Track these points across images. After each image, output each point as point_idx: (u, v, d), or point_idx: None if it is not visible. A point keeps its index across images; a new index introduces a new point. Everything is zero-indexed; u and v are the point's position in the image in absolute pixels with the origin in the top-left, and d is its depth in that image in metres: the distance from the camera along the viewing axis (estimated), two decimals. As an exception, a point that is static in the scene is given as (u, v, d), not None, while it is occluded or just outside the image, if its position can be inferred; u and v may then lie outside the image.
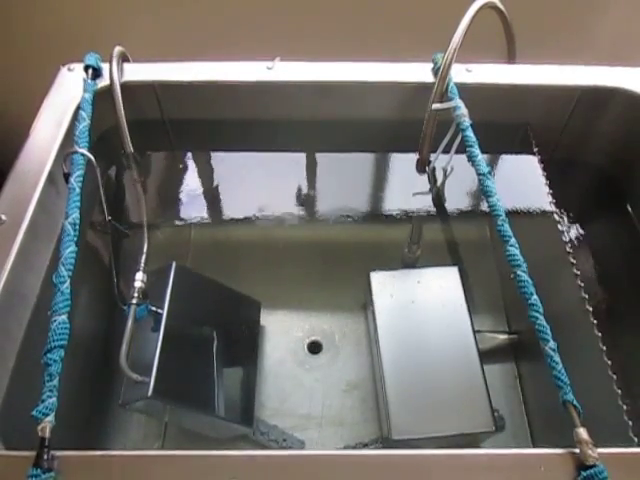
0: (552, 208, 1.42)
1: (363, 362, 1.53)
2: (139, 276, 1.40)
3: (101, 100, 1.50)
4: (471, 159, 1.27)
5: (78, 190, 1.17)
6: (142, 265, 1.42)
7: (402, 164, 1.76)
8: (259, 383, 1.47)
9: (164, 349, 1.31)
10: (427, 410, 1.37)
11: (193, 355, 1.45)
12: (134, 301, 1.34)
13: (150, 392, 1.23)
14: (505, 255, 1.13)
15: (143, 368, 1.27)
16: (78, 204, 1.15)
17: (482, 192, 1.22)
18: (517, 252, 1.11)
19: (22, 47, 2.21)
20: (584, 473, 0.78)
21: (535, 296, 1.07)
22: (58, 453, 0.81)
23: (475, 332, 1.50)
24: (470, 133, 1.30)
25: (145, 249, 1.42)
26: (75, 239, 1.00)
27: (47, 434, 0.81)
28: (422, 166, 1.62)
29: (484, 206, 1.73)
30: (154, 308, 1.37)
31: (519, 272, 1.08)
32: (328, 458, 0.95)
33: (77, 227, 1.11)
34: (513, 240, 1.13)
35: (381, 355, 1.35)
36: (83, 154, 1.26)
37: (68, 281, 1.02)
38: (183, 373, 1.38)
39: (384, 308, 1.54)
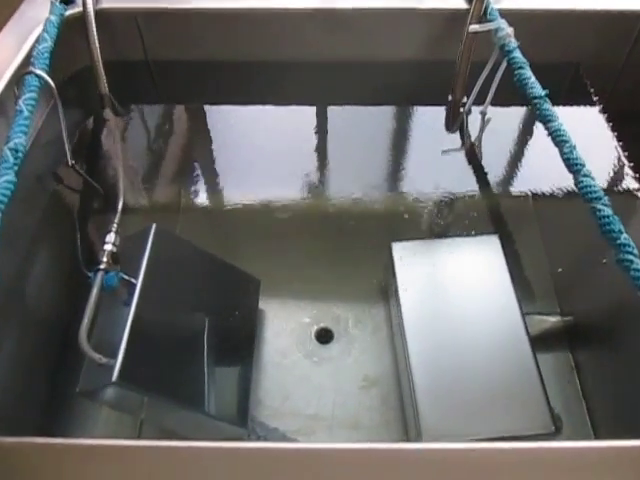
0: (628, 171, 1.17)
1: (383, 353, 1.39)
2: (110, 237, 1.18)
3: (75, 34, 1.29)
4: (522, 83, 1.08)
5: (27, 114, 0.97)
6: (115, 225, 1.20)
7: (428, 118, 1.52)
8: (256, 376, 1.36)
9: (137, 327, 1.10)
10: (466, 409, 1.16)
11: (175, 338, 1.24)
12: (102, 267, 1.13)
13: (115, 377, 1.01)
14: (579, 188, 0.90)
15: (110, 348, 1.06)
16: (24, 129, 0.96)
17: (540, 119, 1.02)
18: (593, 183, 0.88)
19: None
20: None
21: (625, 235, 0.82)
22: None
23: (524, 314, 1.24)
24: (518, 54, 1.13)
25: (120, 206, 1.20)
26: (15, 168, 0.80)
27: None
28: (454, 115, 1.38)
29: (525, 166, 1.47)
30: (127, 277, 1.15)
31: (599, 206, 0.85)
32: (337, 453, 0.72)
33: (19, 155, 0.91)
34: (586, 169, 0.91)
35: (407, 343, 1.22)
36: (38, 75, 1.04)
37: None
38: (161, 358, 1.16)
39: (409, 286, 1.31)
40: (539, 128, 1.49)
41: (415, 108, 1.54)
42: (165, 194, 1.56)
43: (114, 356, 1.03)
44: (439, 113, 1.45)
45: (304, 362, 1.39)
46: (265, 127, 1.57)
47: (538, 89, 1.02)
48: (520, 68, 1.07)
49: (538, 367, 1.19)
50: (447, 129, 1.45)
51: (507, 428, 1.12)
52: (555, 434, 1.12)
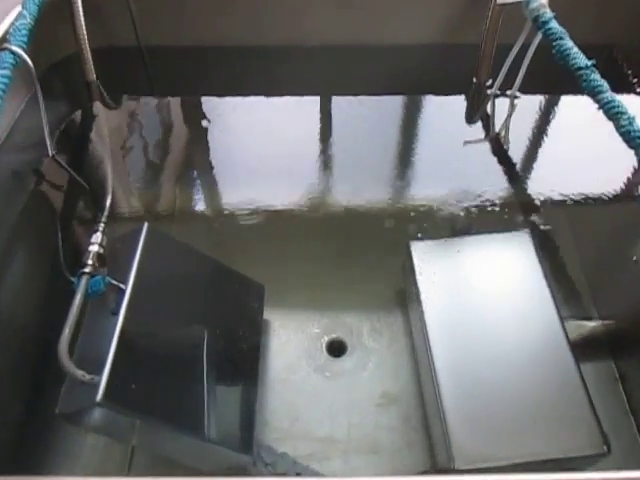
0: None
1: (403, 365, 1.28)
2: (96, 238, 1.06)
3: (61, 19, 1.19)
4: (563, 55, 0.98)
5: None
6: (102, 224, 1.08)
7: (447, 108, 1.41)
8: (262, 395, 1.24)
9: (126, 338, 0.98)
10: (503, 429, 1.03)
11: (170, 352, 1.11)
12: (86, 270, 1.01)
13: (99, 396, 0.89)
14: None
15: (94, 363, 0.94)
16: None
17: (588, 91, 0.92)
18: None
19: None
20: None
21: None
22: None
23: (562, 319, 1.11)
24: (555, 24, 1.05)
25: (107, 203, 1.08)
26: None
27: None
28: (478, 99, 1.27)
29: (555, 159, 1.35)
30: (115, 282, 1.04)
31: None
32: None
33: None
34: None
35: (432, 355, 1.11)
36: (14, 52, 0.92)
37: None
38: (154, 375, 1.03)
39: (431, 290, 1.19)
40: (569, 117, 1.40)
41: (432, 97, 1.43)
42: (159, 192, 1.44)
43: (99, 372, 0.91)
44: (459, 102, 1.33)
45: (314, 377, 1.28)
46: (269, 119, 1.47)
47: (582, 59, 0.92)
48: (559, 39, 0.97)
49: (583, 379, 1.06)
50: (468, 119, 1.33)
51: (551, 450, 1.00)
52: (606, 455, 1.00)
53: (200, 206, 1.47)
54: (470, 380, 1.07)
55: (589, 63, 0.91)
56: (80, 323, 0.99)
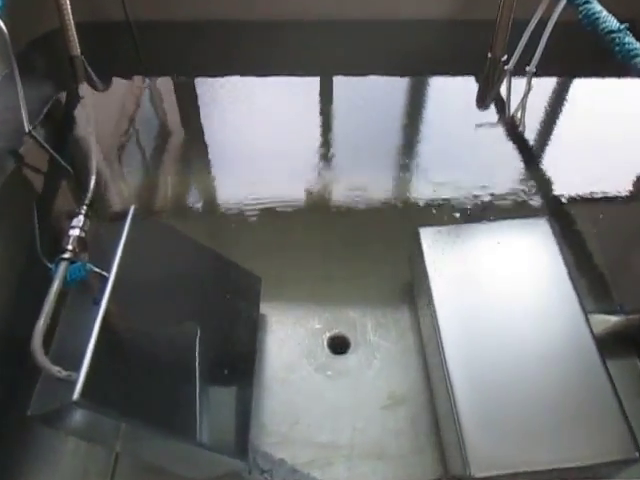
0: None
1: (411, 363, 1.21)
2: (78, 221, 0.98)
3: None
4: (592, 19, 0.92)
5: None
6: (84, 207, 0.99)
7: (457, 89, 1.33)
8: (258, 396, 1.17)
9: (108, 332, 0.90)
10: (522, 432, 0.95)
11: (158, 347, 1.03)
12: (66, 256, 0.94)
13: (76, 395, 0.80)
14: None
15: (73, 359, 0.85)
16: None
17: (622, 55, 0.85)
18: None
19: None
20: None
21: None
22: None
23: (586, 313, 1.04)
24: None
25: (92, 184, 0.99)
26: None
27: None
28: (493, 76, 1.19)
29: (574, 144, 1.27)
30: (97, 269, 0.96)
31: None
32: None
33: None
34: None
35: (444, 352, 1.03)
36: None
37: None
38: (140, 373, 0.96)
39: (443, 281, 1.11)
40: (589, 100, 1.32)
41: (440, 78, 1.35)
42: (149, 177, 1.36)
43: (77, 369, 0.82)
44: (469, 83, 1.26)
45: (315, 377, 1.21)
46: (267, 101, 1.40)
47: (613, 22, 0.86)
48: (586, 3, 0.90)
49: (611, 378, 0.98)
50: (480, 101, 1.25)
51: (577, 456, 0.92)
52: (638, 461, 0.92)
53: (193, 192, 1.40)
54: (486, 379, 0.99)
55: (621, 26, 0.85)
56: (58, 314, 0.91)
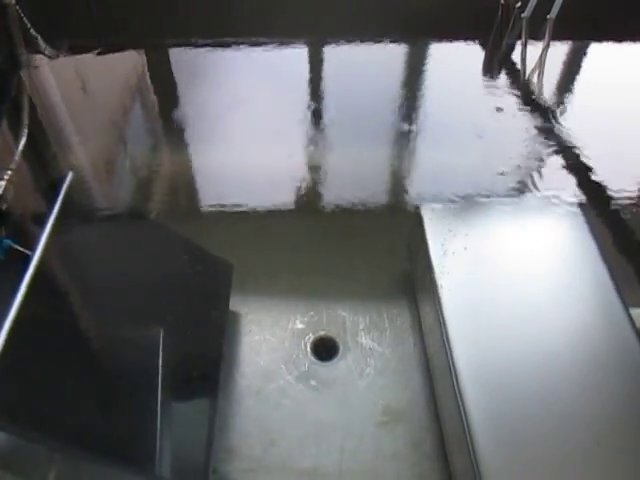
0: None
1: (410, 371, 1.09)
2: None
3: None
4: None
5: None
6: (8, 172, 0.84)
7: (460, 55, 1.18)
8: (226, 411, 1.03)
9: (26, 327, 0.76)
10: (551, 456, 0.81)
11: (99, 350, 0.88)
12: None
13: None
14: None
15: None
16: None
17: None
18: None
19: None
20: None
21: None
22: None
23: (627, 307, 0.89)
24: None
25: (20, 146, 0.85)
26: None
27: None
28: (506, 25, 1.03)
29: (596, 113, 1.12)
30: (18, 247, 0.84)
31: None
32: None
33: None
34: None
35: (452, 356, 0.90)
36: None
37: None
38: (73, 384, 0.81)
39: (449, 270, 0.97)
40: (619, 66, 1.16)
41: (440, 44, 1.21)
42: (101, 149, 1.20)
43: None
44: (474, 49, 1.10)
45: (297, 388, 1.08)
46: (255, 68, 1.27)
47: None
48: None
49: None
50: (489, 62, 1.08)
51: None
52: None
53: (155, 168, 1.27)
54: (506, 392, 0.85)
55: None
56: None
